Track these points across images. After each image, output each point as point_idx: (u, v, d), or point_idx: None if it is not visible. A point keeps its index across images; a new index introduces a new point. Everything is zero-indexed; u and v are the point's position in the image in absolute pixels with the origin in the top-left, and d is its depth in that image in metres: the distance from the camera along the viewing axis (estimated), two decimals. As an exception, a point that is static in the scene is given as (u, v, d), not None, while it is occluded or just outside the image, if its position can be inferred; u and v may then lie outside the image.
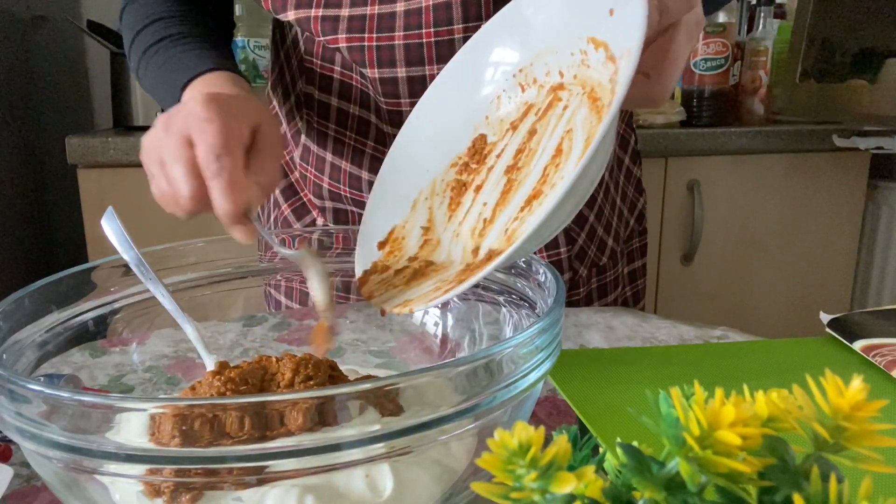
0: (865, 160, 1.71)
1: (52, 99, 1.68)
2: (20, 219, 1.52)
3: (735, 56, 1.70)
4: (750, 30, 1.85)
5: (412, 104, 0.65)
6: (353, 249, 0.51)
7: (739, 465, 0.18)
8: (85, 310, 0.45)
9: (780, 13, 1.85)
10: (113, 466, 0.29)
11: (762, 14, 1.74)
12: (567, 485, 0.18)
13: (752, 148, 1.62)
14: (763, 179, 1.66)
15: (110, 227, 0.46)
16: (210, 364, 0.46)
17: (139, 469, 0.29)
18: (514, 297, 0.47)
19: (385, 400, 0.34)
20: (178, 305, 0.46)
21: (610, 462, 0.26)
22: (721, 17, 1.59)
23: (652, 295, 1.69)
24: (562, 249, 0.75)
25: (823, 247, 1.74)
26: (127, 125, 1.55)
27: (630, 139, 0.85)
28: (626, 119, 0.84)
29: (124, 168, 1.39)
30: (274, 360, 0.42)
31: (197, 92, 0.59)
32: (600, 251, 0.80)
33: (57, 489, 0.33)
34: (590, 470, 0.19)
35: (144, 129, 1.50)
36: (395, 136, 0.66)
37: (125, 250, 0.46)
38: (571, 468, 0.19)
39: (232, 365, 0.42)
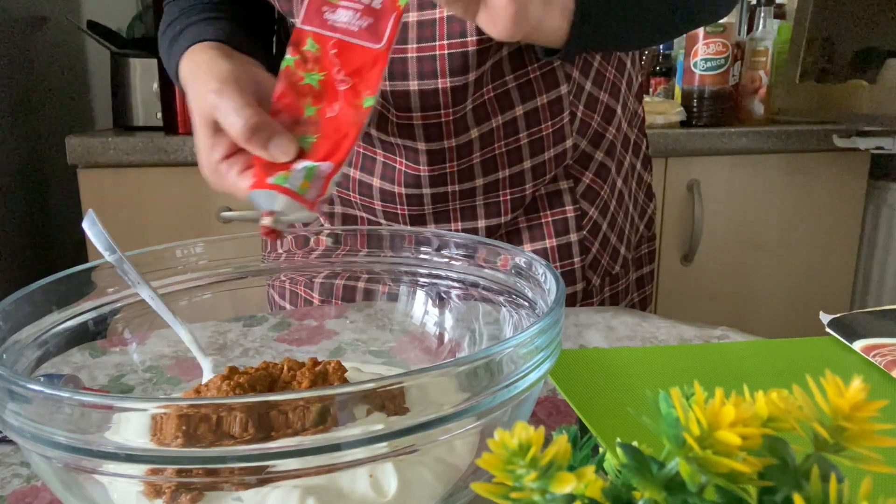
0: (865, 160, 1.71)
1: (52, 99, 1.68)
2: (20, 218, 1.52)
3: (735, 56, 1.70)
4: (750, 30, 1.85)
5: (424, 118, 0.65)
6: (360, 251, 0.50)
7: (739, 465, 0.18)
8: (85, 310, 0.45)
9: (780, 13, 1.85)
10: (113, 466, 0.29)
11: (762, 14, 1.74)
12: (567, 485, 0.18)
13: (752, 148, 1.62)
14: (763, 179, 1.66)
15: (92, 231, 0.46)
16: (206, 365, 0.46)
17: (139, 469, 0.29)
18: (514, 297, 0.47)
19: (388, 400, 0.34)
20: (167, 307, 0.46)
21: (610, 462, 0.26)
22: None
23: (652, 295, 1.68)
24: (575, 259, 0.73)
25: (823, 247, 1.74)
26: (127, 125, 1.54)
27: (642, 144, 0.83)
28: (639, 124, 0.82)
29: (124, 168, 1.39)
30: (284, 367, 0.42)
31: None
32: (613, 260, 0.78)
33: (57, 489, 0.33)
34: (590, 470, 0.19)
35: (144, 129, 1.51)
36: (404, 147, 0.65)
37: (109, 254, 0.45)
38: (571, 468, 0.19)
39: (231, 365, 0.42)
